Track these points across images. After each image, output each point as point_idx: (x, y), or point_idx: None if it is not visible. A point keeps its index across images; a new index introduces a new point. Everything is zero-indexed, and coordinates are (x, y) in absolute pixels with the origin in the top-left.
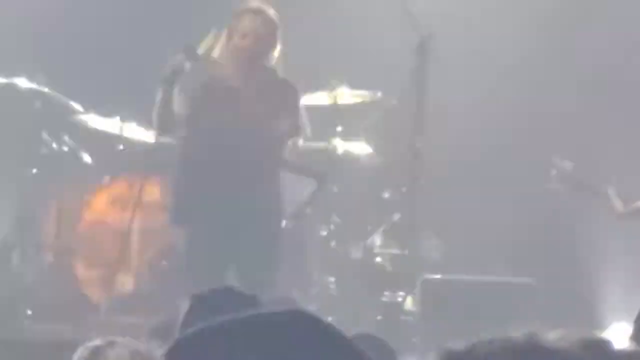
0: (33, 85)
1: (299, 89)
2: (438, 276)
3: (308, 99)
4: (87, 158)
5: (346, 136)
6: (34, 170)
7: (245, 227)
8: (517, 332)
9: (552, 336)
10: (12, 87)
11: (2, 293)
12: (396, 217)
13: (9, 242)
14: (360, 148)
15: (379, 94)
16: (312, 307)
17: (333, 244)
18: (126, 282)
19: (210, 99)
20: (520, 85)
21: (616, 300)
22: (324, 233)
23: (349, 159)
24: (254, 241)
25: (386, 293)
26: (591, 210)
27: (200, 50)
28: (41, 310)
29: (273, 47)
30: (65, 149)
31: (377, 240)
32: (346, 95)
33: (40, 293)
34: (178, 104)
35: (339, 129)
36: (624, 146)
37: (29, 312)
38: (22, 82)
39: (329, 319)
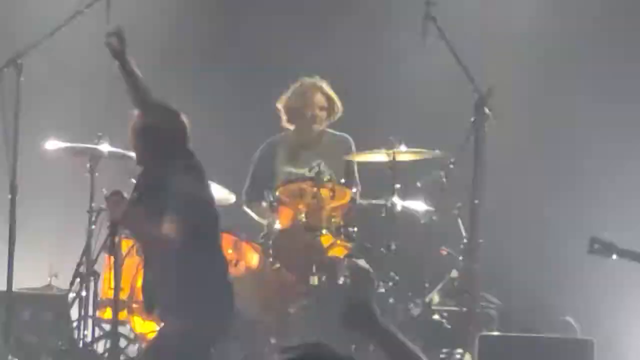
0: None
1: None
2: (496, 333)
3: (367, 157)
4: None
5: (405, 193)
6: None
7: None
8: None
9: None
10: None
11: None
12: (454, 274)
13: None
14: (419, 205)
15: (437, 151)
16: None
17: (391, 300)
18: None
19: None
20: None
21: None
22: (383, 290)
23: (407, 216)
24: None
25: (444, 350)
26: None
27: None
28: None
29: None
30: None
31: (435, 297)
32: (404, 153)
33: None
34: None
35: (398, 186)
36: None
37: None
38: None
39: None
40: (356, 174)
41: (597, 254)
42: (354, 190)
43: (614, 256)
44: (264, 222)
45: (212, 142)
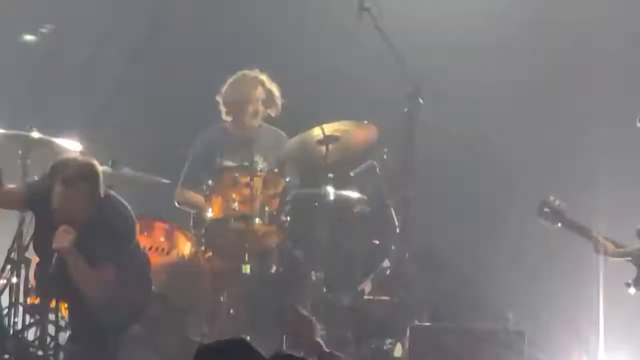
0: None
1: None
2: (427, 323)
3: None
4: None
5: (338, 184)
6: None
7: None
8: None
9: None
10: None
11: None
12: (386, 264)
13: None
14: (352, 194)
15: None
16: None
17: (323, 290)
18: None
19: None
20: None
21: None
22: (314, 279)
23: (340, 205)
24: None
25: (375, 340)
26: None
27: None
28: None
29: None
30: None
31: (367, 287)
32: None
33: None
34: None
35: (330, 175)
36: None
37: None
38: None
39: None
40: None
41: (544, 218)
42: (288, 179)
43: (559, 224)
44: (195, 210)
45: (146, 133)
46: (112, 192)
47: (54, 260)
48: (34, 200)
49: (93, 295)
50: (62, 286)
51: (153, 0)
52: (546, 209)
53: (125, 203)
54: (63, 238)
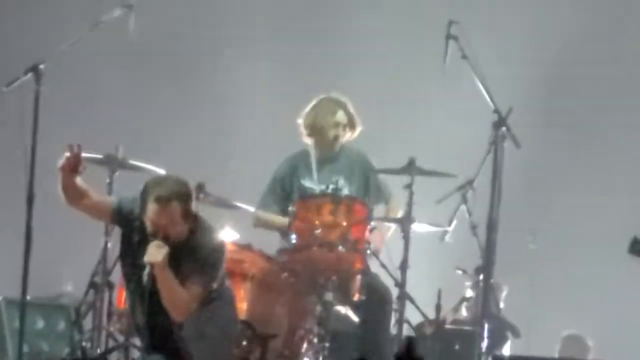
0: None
1: None
2: (507, 354)
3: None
4: None
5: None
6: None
7: None
8: None
9: None
10: None
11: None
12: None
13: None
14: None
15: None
16: None
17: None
18: None
19: None
20: None
21: None
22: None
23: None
24: None
25: None
26: None
27: None
28: None
29: None
30: None
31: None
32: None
33: None
34: None
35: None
36: None
37: None
38: None
39: None
40: (383, 186)
41: (636, 254)
42: (394, 200)
43: None
44: (276, 230)
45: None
46: (203, 217)
47: (144, 276)
48: (123, 214)
49: (177, 317)
50: (150, 304)
51: None
52: (638, 247)
53: (215, 229)
54: (156, 252)
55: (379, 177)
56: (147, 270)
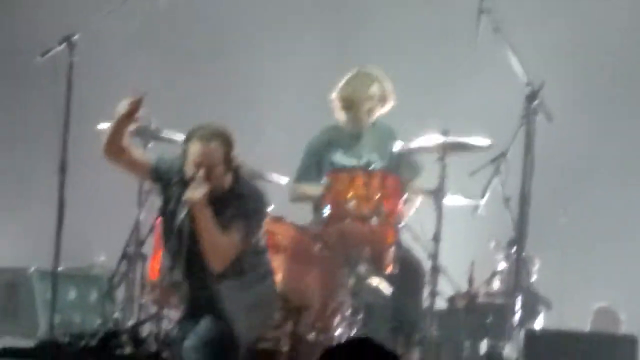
0: None
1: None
2: (539, 327)
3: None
4: None
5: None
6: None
7: None
8: None
9: None
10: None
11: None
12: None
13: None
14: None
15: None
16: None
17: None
18: None
19: None
20: None
21: None
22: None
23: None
24: None
25: (489, 341)
26: None
27: None
28: None
29: None
30: None
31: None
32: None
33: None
34: None
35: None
36: None
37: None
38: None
39: None
40: (413, 162)
41: None
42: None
43: None
44: (312, 201)
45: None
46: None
47: (182, 215)
48: (162, 171)
49: (216, 266)
50: (188, 255)
51: None
52: None
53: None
54: (195, 190)
55: (409, 154)
56: (186, 211)
